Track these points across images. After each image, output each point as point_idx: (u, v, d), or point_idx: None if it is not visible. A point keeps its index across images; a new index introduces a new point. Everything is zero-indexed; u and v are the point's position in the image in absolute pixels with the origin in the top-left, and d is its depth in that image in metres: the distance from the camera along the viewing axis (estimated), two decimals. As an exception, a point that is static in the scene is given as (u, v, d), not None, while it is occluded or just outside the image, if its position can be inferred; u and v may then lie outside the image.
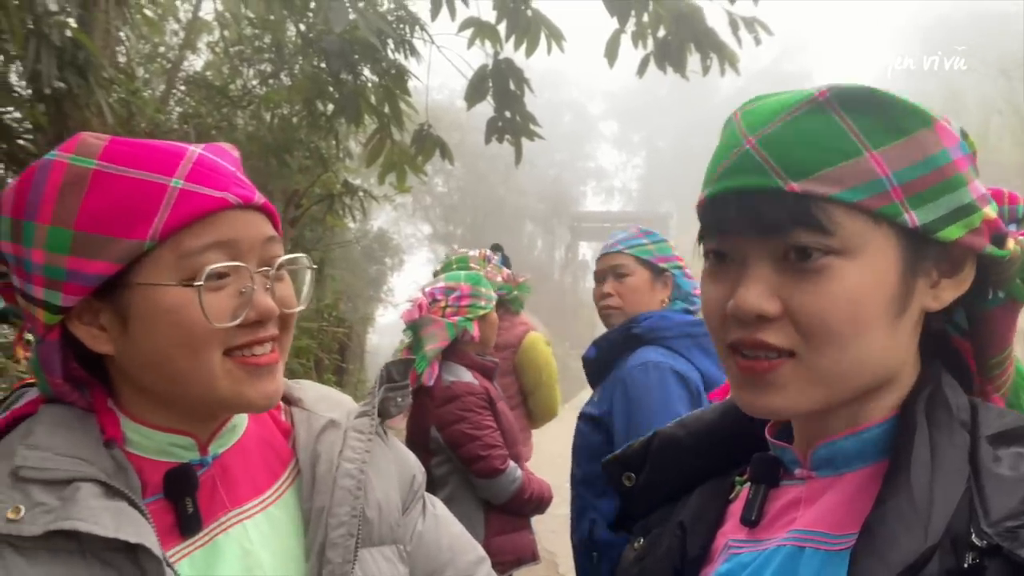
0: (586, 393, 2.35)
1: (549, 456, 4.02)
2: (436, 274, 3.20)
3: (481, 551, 0.98)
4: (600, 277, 2.17)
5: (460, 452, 2.43)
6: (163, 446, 0.81)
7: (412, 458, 0.98)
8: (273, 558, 0.81)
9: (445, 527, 0.96)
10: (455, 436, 2.43)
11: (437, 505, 0.98)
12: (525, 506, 2.55)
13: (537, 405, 3.34)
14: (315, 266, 0.89)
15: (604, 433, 2.01)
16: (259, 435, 0.89)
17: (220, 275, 0.76)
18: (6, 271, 0.79)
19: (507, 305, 3.27)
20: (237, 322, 0.76)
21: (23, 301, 0.78)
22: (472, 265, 3.12)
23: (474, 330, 2.55)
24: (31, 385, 0.84)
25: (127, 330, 0.76)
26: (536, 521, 2.74)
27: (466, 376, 2.53)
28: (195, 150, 0.77)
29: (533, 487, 2.56)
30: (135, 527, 0.71)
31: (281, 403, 0.93)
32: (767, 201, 0.61)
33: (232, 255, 0.76)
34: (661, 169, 44.00)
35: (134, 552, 0.71)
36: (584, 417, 2.09)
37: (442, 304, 2.54)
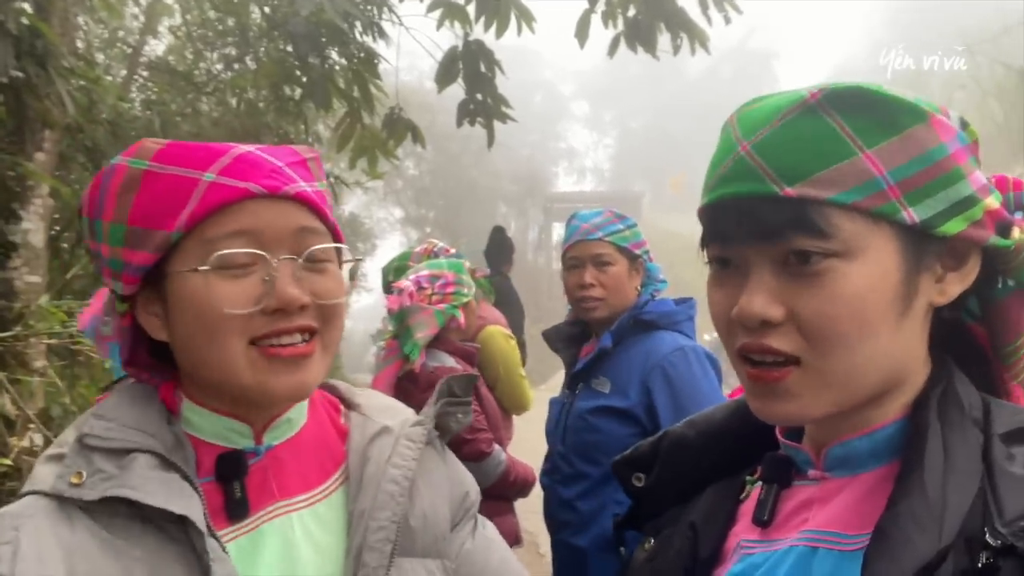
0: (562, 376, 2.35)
1: (527, 441, 4.04)
2: (385, 275, 3.15)
3: None
4: (576, 264, 2.07)
5: None
6: (220, 430, 0.84)
7: (468, 476, 0.97)
8: (314, 554, 0.82)
9: (496, 550, 0.94)
10: None
11: (488, 527, 0.97)
12: (510, 489, 2.56)
13: (503, 398, 3.27)
14: (360, 258, 0.89)
15: (635, 426, 1.95)
16: (316, 434, 0.90)
17: (240, 263, 0.77)
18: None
19: None
20: (254, 309, 0.77)
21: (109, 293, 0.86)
22: (410, 263, 3.02)
23: (460, 316, 2.54)
24: None
25: (169, 317, 0.81)
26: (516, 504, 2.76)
27: (449, 362, 2.53)
28: (243, 148, 0.80)
29: (518, 470, 2.57)
30: (183, 499, 0.75)
31: (341, 407, 0.95)
32: (764, 207, 0.61)
33: (254, 244, 0.78)
34: (633, 148, 44.13)
35: (184, 523, 0.74)
36: (600, 411, 2.01)
37: (428, 292, 2.53)
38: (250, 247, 0.77)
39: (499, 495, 2.54)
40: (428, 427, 0.90)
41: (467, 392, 0.95)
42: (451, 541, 0.89)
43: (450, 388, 0.95)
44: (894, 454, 0.64)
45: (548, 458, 2.20)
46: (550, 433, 2.20)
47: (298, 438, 0.88)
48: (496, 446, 2.52)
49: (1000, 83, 17.61)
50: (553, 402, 2.26)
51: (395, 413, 0.94)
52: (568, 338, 2.22)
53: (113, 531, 0.74)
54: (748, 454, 0.76)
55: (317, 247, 0.81)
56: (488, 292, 3.51)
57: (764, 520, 0.69)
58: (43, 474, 0.77)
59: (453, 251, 3.18)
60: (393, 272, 3.09)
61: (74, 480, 0.74)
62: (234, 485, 0.81)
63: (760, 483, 0.73)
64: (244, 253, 0.77)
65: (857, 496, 0.65)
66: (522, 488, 2.61)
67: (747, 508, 0.73)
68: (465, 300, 2.57)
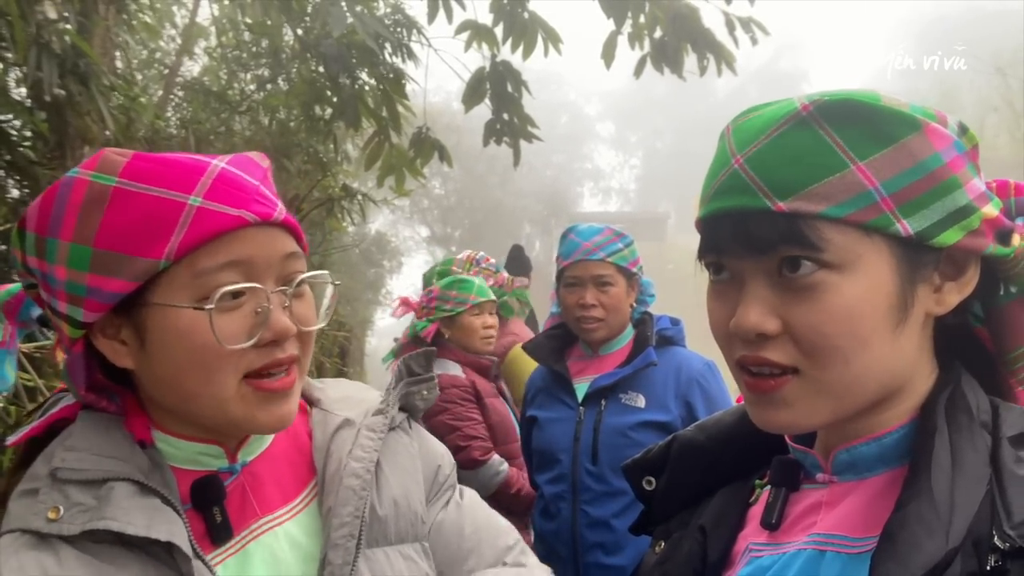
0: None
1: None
2: (425, 277, 3.23)
3: (514, 536, 0.93)
4: (576, 283, 2.07)
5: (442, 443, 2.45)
6: (192, 455, 0.82)
7: (439, 449, 0.96)
8: (303, 564, 0.82)
9: (470, 515, 0.92)
10: (437, 427, 2.45)
11: (466, 495, 0.95)
12: (515, 503, 2.52)
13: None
14: (338, 283, 0.88)
15: None
16: (287, 442, 0.89)
17: (235, 295, 0.75)
18: (36, 283, 0.80)
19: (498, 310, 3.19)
20: (251, 343, 0.75)
21: (50, 313, 0.79)
22: (454, 268, 3.12)
23: (427, 329, 2.65)
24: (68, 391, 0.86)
25: (145, 347, 0.76)
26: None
27: (453, 370, 2.59)
28: (218, 164, 0.76)
29: (522, 483, 2.53)
30: (167, 525, 0.73)
31: (307, 407, 0.93)
32: (757, 221, 0.61)
33: (248, 274, 0.75)
34: (658, 169, 44.10)
35: (169, 547, 0.72)
36: (642, 426, 2.00)
37: (421, 303, 2.70)
38: (243, 278, 0.75)
39: (508, 509, 2.48)
40: (389, 415, 0.89)
41: (427, 368, 0.95)
42: (428, 520, 0.88)
43: (409, 368, 0.94)
44: (902, 458, 0.65)
45: (560, 479, 2.10)
46: (562, 451, 2.10)
47: (271, 450, 0.87)
48: (495, 456, 2.52)
49: (1033, 105, 17.35)
50: (553, 420, 2.15)
51: (356, 402, 0.92)
52: (554, 351, 2.20)
53: (101, 558, 0.72)
54: (757, 458, 0.76)
55: (304, 275, 0.80)
56: (522, 307, 3.52)
57: (772, 523, 0.70)
58: (18, 511, 0.74)
59: (493, 260, 3.24)
60: (437, 276, 3.19)
61: (51, 516, 0.72)
62: (213, 511, 0.79)
63: (769, 487, 0.73)
64: (242, 287, 0.74)
65: (865, 499, 0.65)
66: (530, 504, 2.52)
67: (756, 511, 0.74)
68: (444, 315, 2.65)
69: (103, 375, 0.82)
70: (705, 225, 0.66)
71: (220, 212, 0.73)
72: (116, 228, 0.72)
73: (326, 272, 0.85)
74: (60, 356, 0.83)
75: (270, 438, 0.88)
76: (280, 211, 0.78)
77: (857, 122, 0.60)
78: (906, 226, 0.60)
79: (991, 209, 0.63)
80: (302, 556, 0.82)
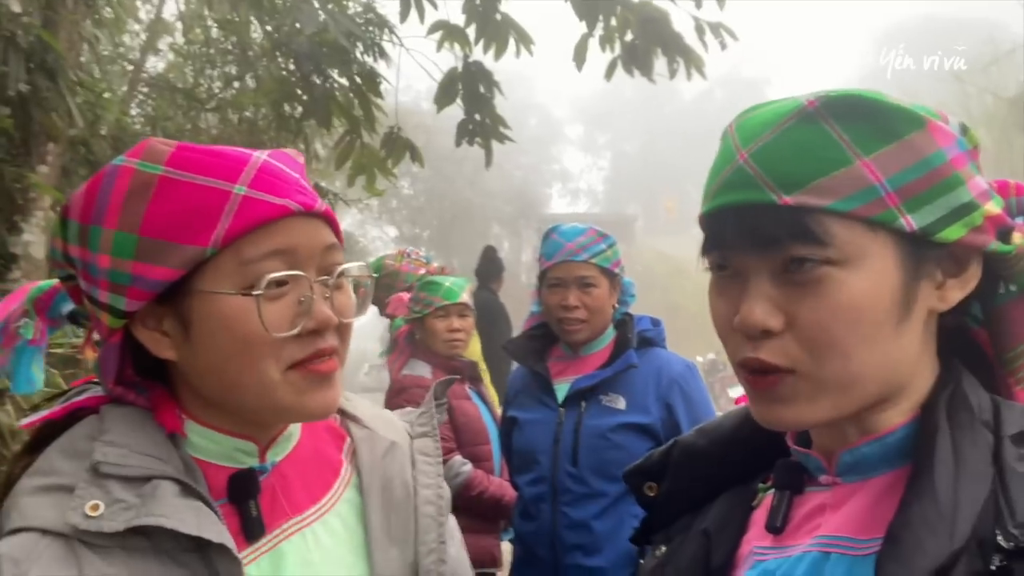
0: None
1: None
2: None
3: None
4: (558, 284, 2.06)
5: None
6: (227, 450, 0.81)
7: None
8: (333, 567, 0.82)
9: (461, 541, 0.96)
10: None
11: (450, 518, 0.98)
12: (476, 505, 2.49)
13: None
14: (375, 275, 0.88)
15: (654, 440, 1.97)
16: (311, 444, 0.89)
17: (279, 283, 0.75)
18: (74, 274, 0.79)
19: None
20: (295, 332, 0.75)
21: (89, 304, 0.79)
22: (387, 262, 3.25)
23: (400, 329, 2.81)
24: (96, 382, 0.84)
25: (189, 336, 0.76)
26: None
27: (422, 370, 2.64)
28: (260, 156, 0.77)
29: (487, 485, 2.52)
30: (215, 527, 0.72)
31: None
32: (762, 216, 0.61)
33: (291, 263, 0.76)
34: (626, 171, 44.47)
35: (206, 552, 0.72)
36: (622, 428, 2.01)
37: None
38: (287, 266, 0.75)
39: (474, 512, 2.46)
40: (436, 439, 0.92)
41: (443, 394, 0.99)
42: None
43: (435, 392, 0.98)
44: (905, 458, 0.65)
45: (539, 480, 2.10)
46: (542, 452, 2.10)
47: (296, 451, 0.87)
48: (457, 456, 2.52)
49: (989, 112, 17.85)
50: (532, 421, 2.15)
51: (388, 422, 0.94)
52: (535, 352, 2.20)
53: (129, 567, 0.70)
54: (758, 461, 0.76)
55: (345, 266, 0.80)
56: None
57: (777, 527, 0.70)
58: (39, 508, 0.70)
59: (422, 252, 3.36)
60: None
61: (90, 512, 0.69)
62: (249, 505, 0.79)
63: (772, 490, 0.73)
64: (287, 275, 0.75)
65: (869, 501, 0.65)
66: (496, 506, 2.52)
67: (760, 515, 0.73)
68: (415, 316, 2.72)
69: (133, 370, 0.81)
70: (709, 221, 0.66)
71: (265, 201, 0.74)
72: (162, 216, 0.73)
73: (365, 263, 0.85)
74: (90, 354, 0.82)
75: (296, 439, 0.88)
76: (321, 203, 0.79)
77: (863, 118, 0.61)
78: (911, 221, 0.60)
79: (993, 206, 0.63)
80: (331, 559, 0.83)
